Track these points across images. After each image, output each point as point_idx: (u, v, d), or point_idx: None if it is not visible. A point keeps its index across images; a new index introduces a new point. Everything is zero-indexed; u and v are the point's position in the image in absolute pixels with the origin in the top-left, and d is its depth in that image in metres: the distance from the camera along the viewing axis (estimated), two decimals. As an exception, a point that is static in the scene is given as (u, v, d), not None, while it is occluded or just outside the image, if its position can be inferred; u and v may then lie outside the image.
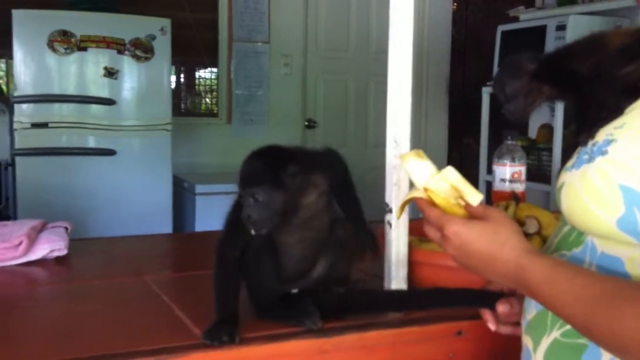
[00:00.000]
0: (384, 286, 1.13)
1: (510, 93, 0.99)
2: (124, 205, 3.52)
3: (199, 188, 3.75)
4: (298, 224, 1.06)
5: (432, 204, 0.83)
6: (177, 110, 4.25)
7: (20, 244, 1.31)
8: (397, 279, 1.12)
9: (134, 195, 3.56)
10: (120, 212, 3.47)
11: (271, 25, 4.80)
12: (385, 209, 1.14)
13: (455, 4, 5.35)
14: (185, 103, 4.87)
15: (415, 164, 0.85)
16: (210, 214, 3.79)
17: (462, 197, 0.82)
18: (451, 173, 0.83)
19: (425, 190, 0.83)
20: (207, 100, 4.97)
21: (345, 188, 1.10)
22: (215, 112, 4.86)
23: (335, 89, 5.07)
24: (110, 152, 3.52)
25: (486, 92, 3.80)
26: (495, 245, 0.79)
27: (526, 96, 0.98)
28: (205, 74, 4.94)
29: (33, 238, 1.34)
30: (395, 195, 1.12)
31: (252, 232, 1.00)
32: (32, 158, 3.42)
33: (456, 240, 0.81)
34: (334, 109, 5.06)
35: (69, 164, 3.48)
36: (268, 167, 1.01)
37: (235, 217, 1.05)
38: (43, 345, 0.94)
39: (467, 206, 0.82)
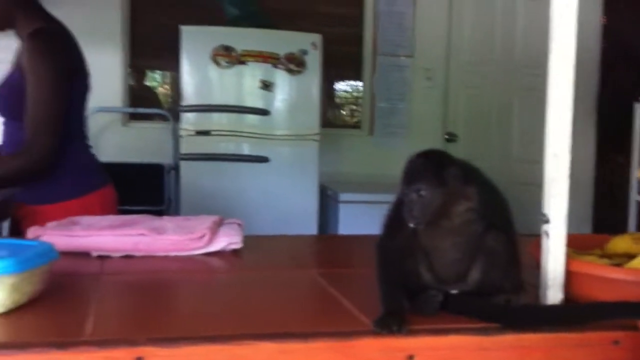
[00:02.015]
0: (540, 295, 1.17)
1: None
2: (273, 210, 3.74)
3: (343, 196, 3.89)
4: (450, 229, 1.13)
5: None
6: (322, 121, 4.43)
7: (203, 236, 1.47)
8: (553, 288, 1.16)
9: (283, 201, 3.78)
10: (270, 215, 3.69)
11: (415, 39, 4.88)
12: (542, 219, 1.18)
13: (605, 16, 5.15)
14: (331, 115, 5.05)
15: None
16: (353, 222, 3.96)
17: None
18: None
19: None
20: (350, 112, 5.13)
21: (502, 227, 1.15)
22: (358, 123, 5.00)
23: (478, 102, 5.04)
24: (263, 159, 3.75)
25: (639, 108, 3.65)
26: None
27: None
28: (348, 87, 5.10)
29: (214, 231, 1.51)
30: (554, 207, 1.16)
31: (411, 225, 1.08)
32: (194, 163, 3.72)
33: None
34: (476, 123, 5.03)
35: (226, 169, 3.75)
36: (433, 165, 1.09)
37: (395, 217, 1.14)
38: (226, 322, 1.06)
39: None
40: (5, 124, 2.01)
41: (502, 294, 1.11)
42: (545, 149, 1.22)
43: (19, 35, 1.97)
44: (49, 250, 1.10)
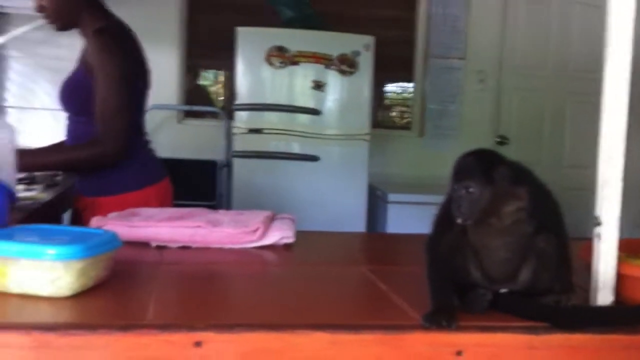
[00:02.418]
0: (590, 297, 1.17)
1: None
2: (322, 209, 3.78)
3: (392, 197, 3.91)
4: (500, 229, 1.14)
5: None
6: (372, 122, 4.45)
7: (257, 229, 1.52)
8: (603, 291, 1.16)
9: (332, 200, 3.82)
10: (319, 214, 3.72)
11: (468, 42, 4.85)
12: (594, 221, 1.18)
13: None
14: (380, 115, 5.06)
15: None
16: (402, 223, 3.97)
17: None
18: None
19: None
20: (401, 113, 5.13)
21: (554, 229, 1.15)
22: (408, 125, 5.00)
23: (530, 106, 4.98)
24: (313, 158, 3.80)
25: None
26: None
27: None
28: (399, 88, 5.10)
29: (267, 225, 1.56)
30: (606, 209, 1.16)
31: (459, 221, 1.10)
32: (247, 160, 3.80)
33: None
34: (528, 127, 4.97)
35: (277, 167, 3.81)
36: (482, 164, 1.11)
37: (445, 215, 1.16)
38: (280, 312, 1.09)
39: None
40: (69, 119, 2.10)
41: (551, 295, 1.12)
42: (598, 152, 1.22)
43: (83, 33, 2.05)
44: (113, 239, 1.16)
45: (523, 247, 1.15)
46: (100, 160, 1.97)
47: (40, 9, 2.00)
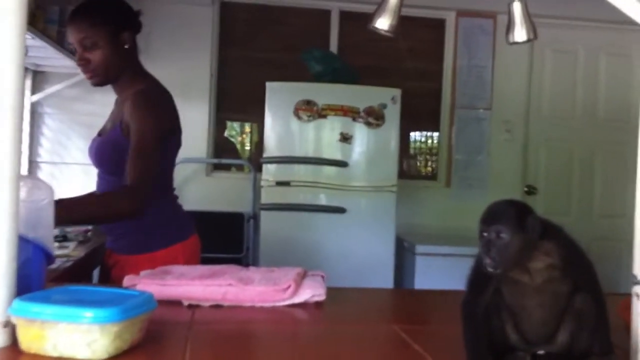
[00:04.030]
0: (630, 359, 1.14)
1: None
2: (350, 260, 3.76)
3: (419, 248, 3.88)
4: (534, 288, 1.12)
5: None
6: (398, 173, 4.46)
7: (288, 287, 1.52)
8: (644, 353, 1.13)
9: (359, 251, 3.80)
10: (346, 266, 3.71)
11: (494, 92, 4.87)
12: (633, 280, 1.16)
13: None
14: (406, 166, 5.07)
15: None
16: (430, 274, 3.94)
17: None
18: None
19: None
20: (426, 163, 5.13)
21: (589, 288, 1.14)
22: (432, 173, 5.00)
23: (559, 155, 4.96)
24: (340, 210, 3.80)
25: None
26: None
27: None
28: (424, 138, 5.12)
29: (299, 283, 1.55)
30: (644, 268, 1.14)
31: (488, 267, 1.08)
32: (274, 212, 3.81)
33: None
34: (557, 176, 4.94)
35: (304, 219, 3.82)
36: (515, 211, 1.09)
37: (479, 273, 1.14)
38: None
39: None
40: (100, 175, 2.13)
41: (592, 357, 1.09)
42: (635, 205, 1.20)
43: (120, 91, 2.10)
44: (149, 300, 1.17)
45: (559, 307, 1.13)
46: (131, 212, 1.91)
47: (85, 62, 2.00)
